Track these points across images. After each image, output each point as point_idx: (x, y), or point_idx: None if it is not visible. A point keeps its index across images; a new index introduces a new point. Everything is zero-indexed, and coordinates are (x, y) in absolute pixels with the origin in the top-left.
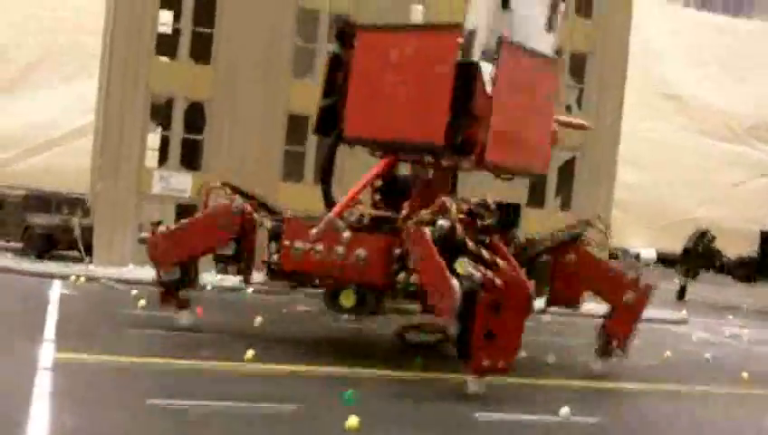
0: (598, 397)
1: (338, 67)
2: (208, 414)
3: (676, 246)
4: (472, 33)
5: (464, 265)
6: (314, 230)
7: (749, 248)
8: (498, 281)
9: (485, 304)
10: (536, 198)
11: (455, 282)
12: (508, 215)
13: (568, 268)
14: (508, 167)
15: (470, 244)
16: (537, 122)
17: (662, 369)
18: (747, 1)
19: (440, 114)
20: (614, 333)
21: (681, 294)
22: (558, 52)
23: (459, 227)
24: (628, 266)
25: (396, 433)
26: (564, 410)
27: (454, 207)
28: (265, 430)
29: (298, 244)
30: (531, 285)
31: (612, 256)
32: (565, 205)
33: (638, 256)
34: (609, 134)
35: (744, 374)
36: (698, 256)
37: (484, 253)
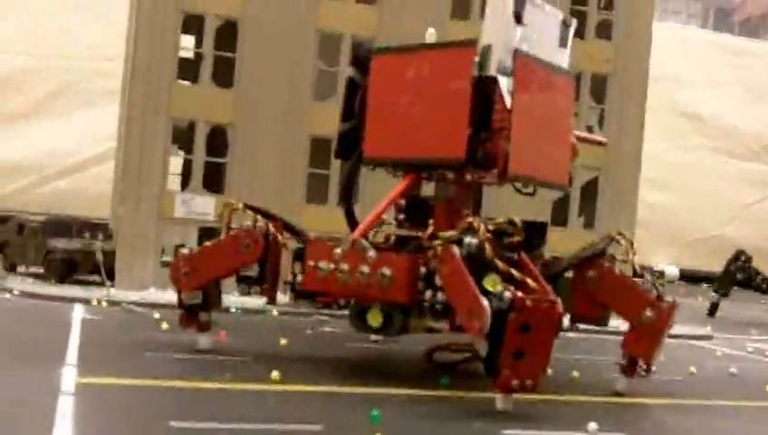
0: (624, 412)
1: (355, 91)
2: None
3: (697, 264)
4: (487, 49)
5: (494, 282)
6: (338, 250)
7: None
8: (528, 301)
9: (515, 325)
10: (559, 217)
11: (485, 301)
12: (535, 233)
13: (589, 285)
14: (530, 179)
15: (499, 262)
16: (556, 135)
17: (687, 384)
18: (762, 23)
19: (460, 129)
20: (634, 351)
21: (712, 311)
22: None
23: (488, 246)
24: (651, 284)
25: None
26: (592, 426)
27: (481, 226)
28: None
29: (322, 264)
30: (561, 304)
31: (637, 274)
32: (588, 224)
33: (662, 274)
34: (630, 154)
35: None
36: (736, 276)
37: (514, 272)
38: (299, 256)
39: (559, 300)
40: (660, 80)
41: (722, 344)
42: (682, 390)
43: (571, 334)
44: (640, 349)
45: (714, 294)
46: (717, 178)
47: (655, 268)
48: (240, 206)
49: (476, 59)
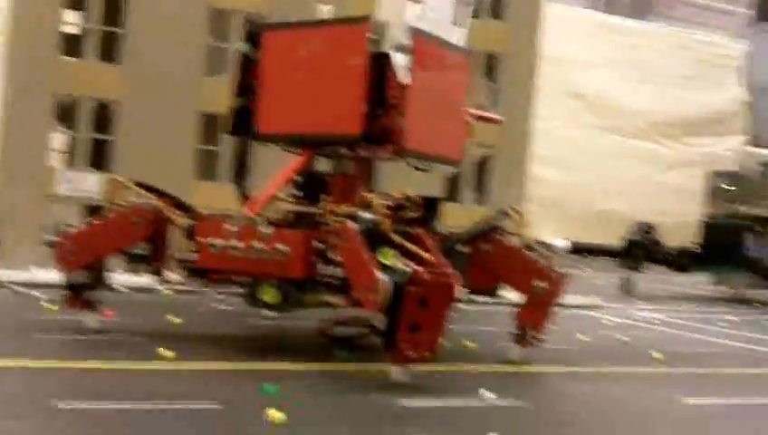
0: (518, 380)
1: (248, 67)
2: (122, 415)
3: (585, 237)
4: (382, 26)
5: (390, 256)
6: (231, 226)
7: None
8: (426, 275)
9: (413, 299)
10: (452, 193)
11: (382, 276)
12: (429, 208)
13: (484, 258)
14: (425, 155)
15: (396, 237)
16: (452, 112)
17: (578, 352)
18: (647, 3)
19: (356, 105)
20: (526, 321)
21: (628, 287)
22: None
23: (385, 220)
24: (543, 257)
25: (321, 425)
26: (487, 394)
27: (378, 202)
28: (184, 428)
29: (215, 241)
30: (457, 277)
31: (529, 247)
32: (480, 200)
33: (551, 247)
34: (521, 132)
35: (657, 354)
36: (641, 249)
37: (410, 246)
38: (191, 233)
39: (455, 273)
40: (552, 60)
41: (610, 314)
42: (574, 358)
43: (464, 306)
44: (533, 319)
45: (628, 270)
46: (607, 155)
47: (546, 241)
48: (127, 182)
49: (372, 35)
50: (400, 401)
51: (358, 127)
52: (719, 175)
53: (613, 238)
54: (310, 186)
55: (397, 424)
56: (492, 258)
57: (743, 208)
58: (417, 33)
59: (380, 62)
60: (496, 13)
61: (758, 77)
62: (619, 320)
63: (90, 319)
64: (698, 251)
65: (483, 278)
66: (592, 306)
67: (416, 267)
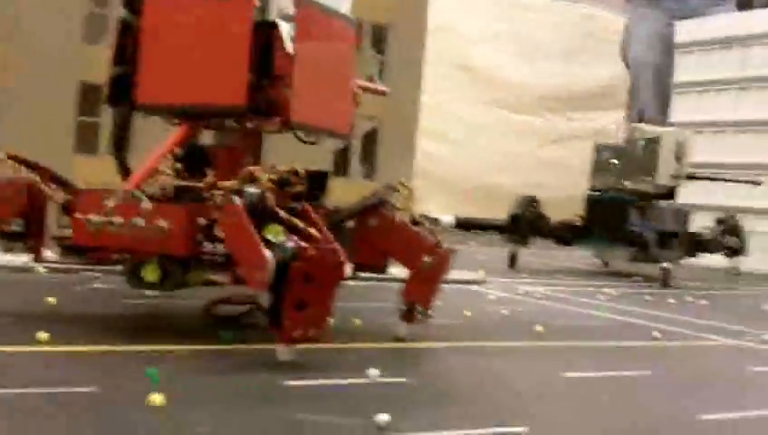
0: (404, 357)
1: (128, 34)
2: None
3: (471, 211)
4: None
5: (276, 232)
6: (110, 202)
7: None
8: (311, 251)
9: (298, 275)
10: (340, 167)
11: (267, 253)
12: (316, 183)
13: (371, 233)
14: (313, 127)
15: (282, 212)
16: (339, 83)
17: (463, 327)
18: None
19: (240, 75)
20: (413, 297)
21: (513, 261)
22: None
23: (270, 195)
24: (430, 232)
25: (204, 407)
26: (373, 372)
27: (263, 176)
28: (62, 414)
29: (94, 217)
30: (344, 253)
31: (416, 221)
32: (369, 174)
33: (436, 221)
34: (409, 105)
35: (539, 328)
36: (527, 223)
37: (296, 221)
38: (68, 209)
39: (341, 249)
40: (439, 32)
41: (495, 288)
42: (459, 333)
43: (351, 283)
44: (420, 295)
45: (513, 245)
46: (492, 129)
47: (432, 216)
48: (2, 155)
49: (257, 3)
50: (285, 381)
51: (242, 98)
52: (604, 148)
53: (500, 213)
54: (192, 159)
55: (281, 404)
56: (379, 233)
57: (627, 183)
58: (302, 2)
59: (266, 32)
60: None
61: (636, 52)
62: (503, 294)
63: None
64: (582, 225)
65: (370, 254)
66: (477, 281)
67: (301, 243)
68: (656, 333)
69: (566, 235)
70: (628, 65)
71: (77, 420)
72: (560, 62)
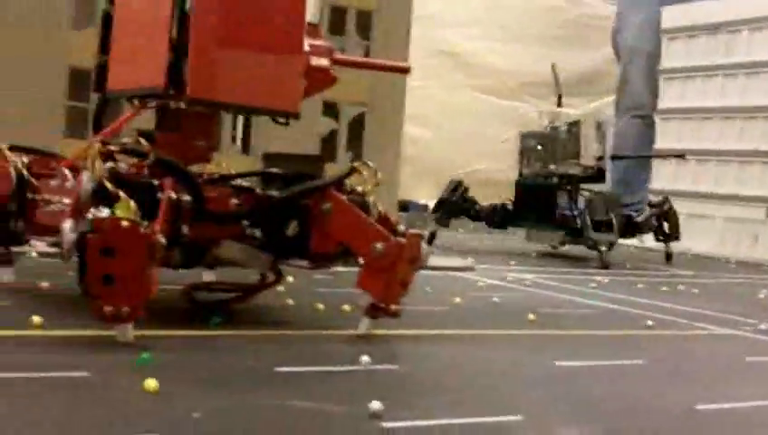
0: (394, 344)
1: (109, 25)
2: None
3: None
4: None
5: (124, 208)
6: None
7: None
8: (109, 222)
9: (94, 247)
10: (328, 152)
11: (67, 223)
12: (310, 167)
13: (322, 218)
14: (228, 104)
15: (110, 187)
16: (273, 56)
17: (453, 314)
18: None
19: (160, 57)
20: (366, 288)
21: (430, 240)
22: None
23: (106, 181)
24: (414, 218)
25: (196, 392)
26: (364, 359)
27: (96, 162)
28: (56, 398)
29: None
30: (145, 228)
31: (402, 207)
32: (356, 159)
33: (407, 207)
34: (394, 90)
35: (531, 316)
36: (453, 205)
37: (121, 194)
38: None
39: (142, 221)
40: (421, 18)
41: (484, 275)
42: (449, 320)
43: (341, 269)
44: (373, 286)
45: (435, 224)
46: (476, 115)
47: (412, 201)
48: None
49: None
50: (277, 367)
51: (161, 78)
52: (529, 135)
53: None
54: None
55: (273, 390)
56: (330, 218)
57: (552, 167)
58: None
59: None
60: None
61: (627, 39)
62: (493, 281)
63: (2, 274)
64: (511, 208)
65: (323, 241)
66: (466, 268)
67: (100, 215)
68: (649, 322)
69: (495, 217)
70: (617, 52)
71: (72, 405)
72: (543, 48)
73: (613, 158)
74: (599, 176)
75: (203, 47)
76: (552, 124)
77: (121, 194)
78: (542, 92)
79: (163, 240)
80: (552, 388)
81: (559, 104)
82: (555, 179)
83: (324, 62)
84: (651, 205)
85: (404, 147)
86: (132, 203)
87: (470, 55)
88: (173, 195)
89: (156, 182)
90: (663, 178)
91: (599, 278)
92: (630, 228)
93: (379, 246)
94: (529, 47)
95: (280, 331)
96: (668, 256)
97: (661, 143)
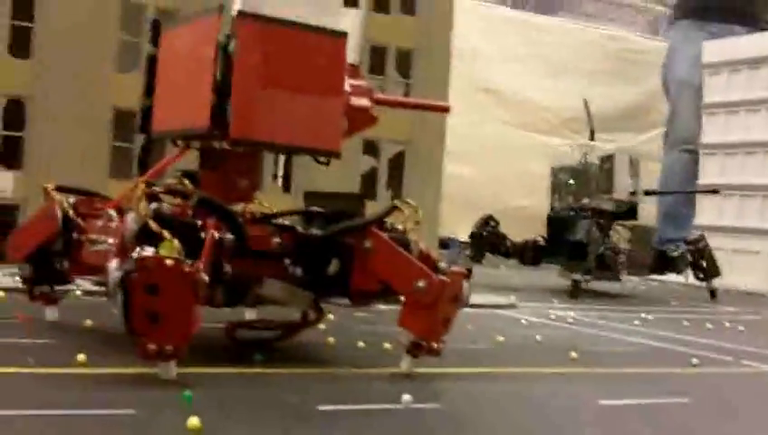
0: (436, 382)
1: (154, 67)
2: (37, 423)
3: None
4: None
5: (168, 248)
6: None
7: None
8: (150, 261)
9: (138, 286)
10: (369, 190)
11: (113, 263)
12: (352, 205)
13: (364, 256)
14: (270, 144)
15: (154, 226)
16: (314, 97)
17: (496, 352)
18: (557, 0)
19: (204, 97)
20: (408, 326)
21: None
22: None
23: (151, 222)
24: (451, 256)
25: (238, 429)
26: (406, 398)
27: (141, 203)
28: None
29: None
30: (189, 266)
31: (442, 244)
32: (396, 197)
33: (447, 245)
34: (435, 128)
35: (573, 354)
36: (483, 241)
37: (165, 233)
38: None
39: (195, 262)
40: (462, 56)
41: (526, 313)
42: (491, 358)
43: (382, 307)
44: (415, 324)
45: (470, 260)
46: (517, 151)
47: (451, 238)
48: (51, 187)
49: (220, 26)
50: (319, 406)
51: (205, 119)
52: (560, 170)
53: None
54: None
55: (315, 428)
56: (372, 256)
57: (585, 201)
58: (240, 15)
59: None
60: (407, 8)
61: (677, 73)
62: (535, 319)
63: (48, 313)
64: (543, 244)
65: (364, 279)
66: (509, 305)
67: (144, 253)
68: (694, 360)
69: (527, 253)
70: (666, 86)
71: None
72: (585, 83)
73: (646, 193)
74: (630, 211)
75: (246, 88)
76: (584, 159)
77: (165, 233)
78: (584, 128)
79: (206, 278)
80: (595, 427)
81: (591, 138)
82: (588, 214)
83: (365, 102)
84: (687, 242)
85: (444, 184)
86: (176, 242)
87: (511, 92)
88: (216, 234)
89: (199, 222)
90: (707, 213)
91: (643, 315)
92: (663, 264)
93: (421, 283)
94: (570, 82)
95: (322, 369)
96: (713, 293)
97: (704, 178)
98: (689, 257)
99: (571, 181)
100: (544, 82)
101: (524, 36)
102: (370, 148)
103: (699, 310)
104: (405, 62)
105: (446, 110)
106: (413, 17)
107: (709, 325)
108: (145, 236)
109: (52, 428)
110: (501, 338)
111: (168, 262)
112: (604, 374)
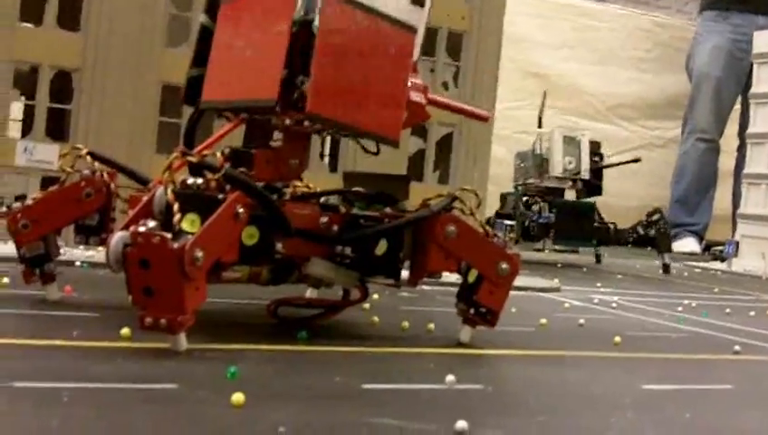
0: (479, 364)
1: (206, 38)
2: (82, 396)
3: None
4: None
5: (189, 222)
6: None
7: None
8: (143, 236)
9: (131, 259)
10: (416, 171)
11: (116, 235)
12: (398, 187)
13: (446, 240)
14: (338, 123)
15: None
16: (382, 85)
17: (539, 335)
18: None
19: (275, 71)
20: (488, 302)
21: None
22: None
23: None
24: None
25: (282, 407)
26: (450, 378)
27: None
28: (145, 410)
29: None
30: (185, 242)
31: (488, 225)
32: (443, 179)
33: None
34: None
35: (617, 338)
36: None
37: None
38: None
39: (172, 236)
40: (511, 40)
41: (570, 297)
42: (535, 341)
43: (425, 287)
44: (494, 300)
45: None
46: None
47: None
48: (83, 152)
49: (300, 2)
50: (363, 384)
51: (274, 93)
52: (518, 155)
53: None
54: (238, 159)
55: (359, 406)
56: (455, 240)
57: (536, 181)
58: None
59: (305, 29)
60: None
61: (699, 64)
62: (578, 303)
63: (50, 291)
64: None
65: (441, 260)
66: (552, 289)
67: (138, 229)
68: (737, 347)
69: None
70: (690, 77)
71: (160, 417)
72: (631, 71)
73: (593, 171)
74: (596, 188)
75: (326, 65)
76: (538, 142)
77: (176, 207)
78: (631, 115)
79: (200, 254)
80: (638, 412)
81: (539, 126)
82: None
83: (421, 98)
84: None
85: (490, 166)
86: (197, 217)
87: (559, 77)
88: (240, 209)
89: (221, 196)
90: (753, 203)
91: (686, 302)
92: (609, 238)
93: (504, 265)
94: (619, 70)
95: (366, 348)
96: (666, 268)
97: (751, 167)
98: (641, 231)
99: (522, 163)
100: (592, 68)
101: (574, 22)
102: (419, 130)
103: (742, 298)
104: (455, 45)
105: (485, 119)
106: (465, 0)
107: (752, 313)
108: (173, 208)
109: (95, 401)
110: (544, 321)
111: (155, 238)
112: (647, 359)
